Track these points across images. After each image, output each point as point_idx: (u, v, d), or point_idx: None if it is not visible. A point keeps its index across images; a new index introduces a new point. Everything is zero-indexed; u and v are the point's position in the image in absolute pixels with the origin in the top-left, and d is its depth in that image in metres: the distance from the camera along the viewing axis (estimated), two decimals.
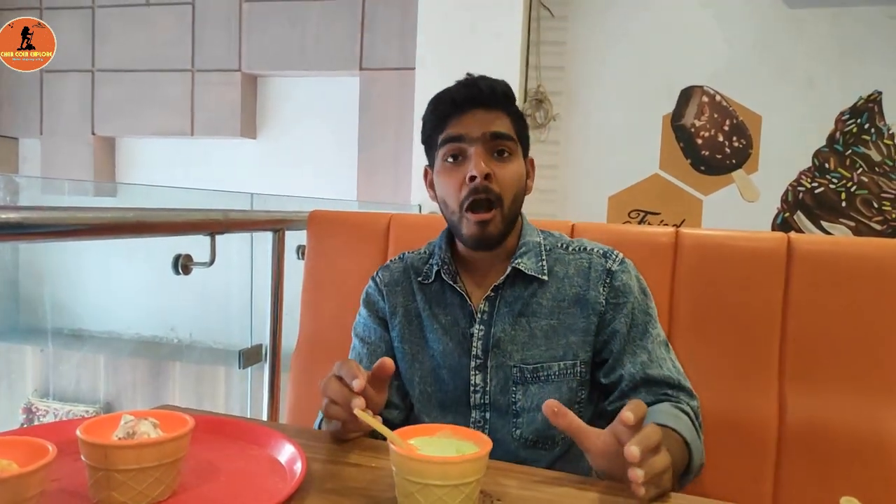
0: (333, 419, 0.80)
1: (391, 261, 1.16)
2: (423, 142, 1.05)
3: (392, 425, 0.72)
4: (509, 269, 1.01)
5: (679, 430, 0.87)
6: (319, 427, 1.02)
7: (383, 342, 1.10)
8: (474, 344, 1.01)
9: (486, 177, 0.95)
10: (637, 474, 0.66)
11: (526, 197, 1.03)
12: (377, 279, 1.13)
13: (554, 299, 1.01)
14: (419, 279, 1.08)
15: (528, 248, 1.04)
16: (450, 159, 0.99)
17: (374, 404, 0.80)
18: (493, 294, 1.01)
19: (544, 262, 1.03)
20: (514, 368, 0.99)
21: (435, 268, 1.06)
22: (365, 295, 1.14)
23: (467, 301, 1.02)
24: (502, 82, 1.01)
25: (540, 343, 0.99)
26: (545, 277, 1.01)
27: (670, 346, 1.02)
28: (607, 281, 1.01)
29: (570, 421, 0.75)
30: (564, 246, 1.06)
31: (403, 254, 1.16)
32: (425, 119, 1.03)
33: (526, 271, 1.01)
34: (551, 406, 0.75)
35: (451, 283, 1.03)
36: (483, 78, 1.00)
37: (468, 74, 1.02)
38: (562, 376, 0.99)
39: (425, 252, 1.12)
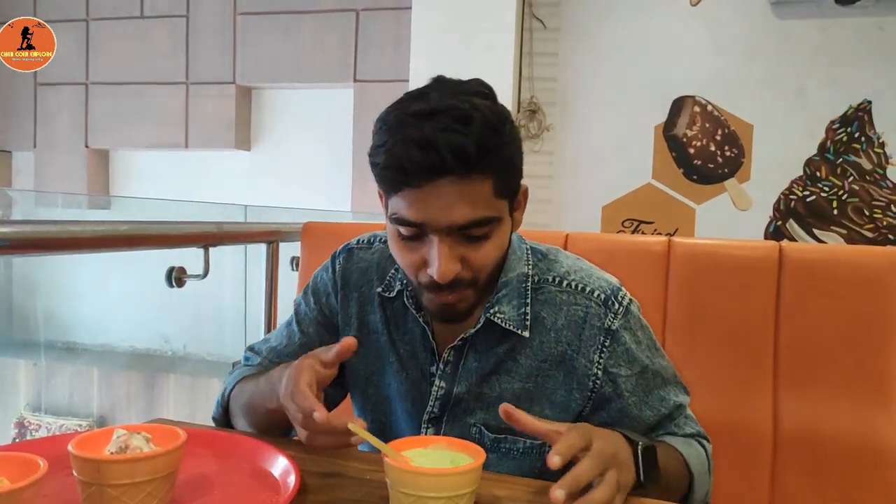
0: (321, 447, 0.73)
1: (358, 242, 0.95)
2: (371, 166, 0.76)
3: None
4: (482, 319, 0.83)
5: (683, 453, 0.82)
6: (223, 412, 0.91)
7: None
8: (431, 401, 0.86)
9: (455, 273, 0.75)
10: None
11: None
12: (336, 267, 0.93)
13: (535, 357, 0.83)
14: (380, 290, 0.89)
15: (511, 287, 0.84)
16: (404, 233, 0.76)
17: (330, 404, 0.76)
18: (460, 343, 0.84)
19: (528, 308, 0.83)
20: (474, 428, 0.84)
21: (398, 285, 0.88)
22: (318, 280, 0.95)
23: (429, 336, 0.86)
24: (480, 122, 0.70)
25: None
26: (526, 334, 0.83)
27: (677, 378, 0.90)
28: (605, 344, 0.82)
29: (525, 423, 0.69)
30: (557, 280, 0.85)
31: (374, 238, 0.95)
32: (370, 160, 0.75)
33: (502, 324, 0.82)
34: (504, 409, 0.69)
35: (414, 311, 0.86)
36: (449, 126, 0.69)
37: (435, 79, 0.76)
38: (527, 454, 0.83)
39: None
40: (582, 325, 0.83)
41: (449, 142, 0.69)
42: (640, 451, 0.72)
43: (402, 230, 0.76)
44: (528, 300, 0.84)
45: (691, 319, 1.18)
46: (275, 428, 0.86)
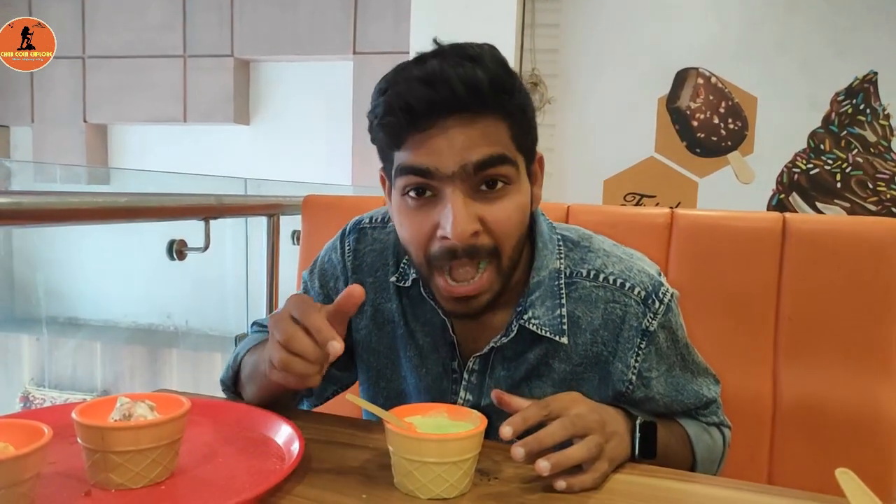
0: (297, 374, 0.65)
1: (371, 220, 0.86)
2: (373, 142, 0.72)
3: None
4: (515, 326, 0.75)
5: (691, 436, 0.81)
6: (233, 376, 0.84)
7: None
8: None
9: (473, 232, 0.66)
10: (542, 466, 0.60)
11: None
12: (345, 249, 0.85)
13: (569, 361, 0.76)
14: (394, 279, 0.81)
15: (543, 288, 0.75)
16: (412, 194, 0.68)
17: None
18: (486, 351, 0.77)
19: (563, 311, 0.75)
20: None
21: (413, 273, 0.79)
22: (325, 261, 0.87)
23: (450, 329, 0.79)
24: (490, 60, 0.65)
25: None
26: (564, 340, 0.75)
27: (708, 371, 0.86)
28: (641, 346, 0.76)
29: (518, 406, 0.68)
30: (593, 274, 0.76)
31: (388, 216, 0.84)
32: (371, 119, 0.69)
33: (538, 331, 0.75)
34: (496, 395, 0.68)
35: (431, 302, 0.78)
36: (458, 62, 0.63)
37: (435, 44, 0.68)
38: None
39: None
40: (620, 325, 0.75)
41: (460, 75, 0.63)
42: (638, 426, 0.72)
43: (411, 187, 0.68)
44: (563, 300, 0.75)
45: (693, 291, 1.18)
46: (278, 399, 0.81)
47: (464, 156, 0.65)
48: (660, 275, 0.79)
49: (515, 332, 0.75)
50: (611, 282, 0.76)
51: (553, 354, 0.77)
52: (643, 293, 0.76)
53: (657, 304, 0.76)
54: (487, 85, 0.64)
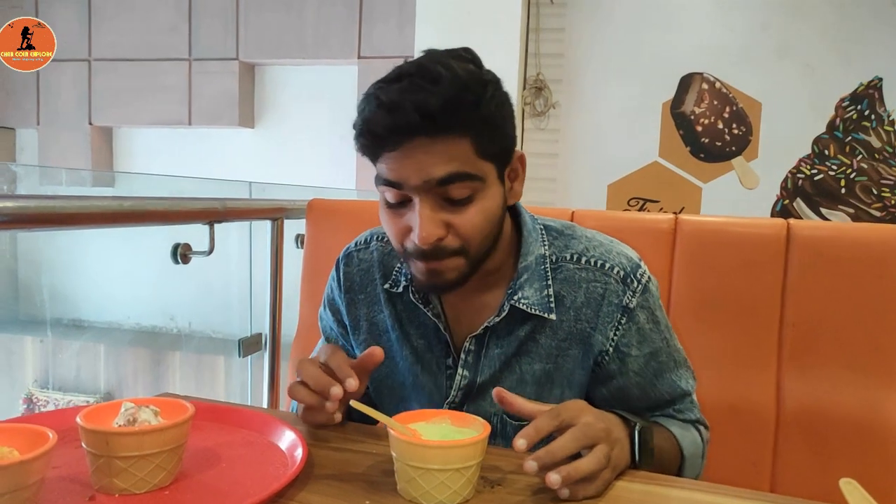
0: (301, 402, 0.76)
1: (356, 244, 0.94)
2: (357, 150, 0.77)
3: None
4: (506, 306, 0.81)
5: (677, 436, 0.83)
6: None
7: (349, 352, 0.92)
8: (453, 391, 0.84)
9: (438, 238, 0.73)
10: (552, 479, 0.61)
11: (524, 186, 0.83)
12: (340, 274, 0.93)
13: (555, 337, 0.82)
14: (386, 286, 0.88)
15: (531, 270, 0.82)
16: (389, 198, 0.75)
17: (353, 395, 0.74)
18: (482, 332, 0.83)
19: (550, 290, 0.82)
20: (495, 417, 0.83)
21: (404, 280, 0.86)
22: (329, 290, 0.96)
23: (442, 329, 0.84)
24: (451, 80, 0.68)
25: (529, 391, 0.82)
26: (553, 317, 0.81)
27: (687, 362, 0.88)
28: (621, 322, 0.81)
29: (520, 406, 0.70)
30: (576, 257, 0.83)
31: (371, 237, 0.93)
32: (355, 136, 0.75)
33: (528, 310, 0.81)
34: (496, 393, 0.70)
35: (422, 306, 0.84)
36: (418, 87, 0.68)
37: (405, 61, 0.74)
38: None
39: None
40: (601, 301, 0.81)
41: (414, 101, 0.68)
42: (636, 432, 0.73)
43: (387, 195, 0.75)
44: (550, 281, 0.82)
45: (697, 297, 1.17)
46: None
47: (427, 172, 0.71)
48: (639, 259, 0.85)
49: (507, 311, 0.81)
50: (592, 263, 0.82)
51: (540, 330, 0.82)
52: (622, 273, 0.82)
53: (635, 283, 0.82)
54: (440, 110, 0.68)
